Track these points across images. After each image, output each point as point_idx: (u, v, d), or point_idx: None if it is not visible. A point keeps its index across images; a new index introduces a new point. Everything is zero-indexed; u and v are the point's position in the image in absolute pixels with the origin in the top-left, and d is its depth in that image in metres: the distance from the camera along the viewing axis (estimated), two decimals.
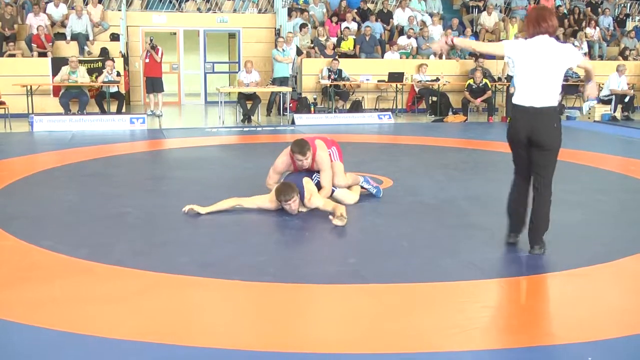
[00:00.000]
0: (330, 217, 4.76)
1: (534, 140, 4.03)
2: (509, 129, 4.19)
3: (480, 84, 12.90)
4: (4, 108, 10.95)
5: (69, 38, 13.38)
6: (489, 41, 15.53)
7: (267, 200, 5.15)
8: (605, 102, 13.24)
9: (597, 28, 16.42)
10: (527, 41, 4.11)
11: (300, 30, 14.24)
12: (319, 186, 5.32)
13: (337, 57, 13.56)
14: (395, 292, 3.54)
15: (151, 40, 12.61)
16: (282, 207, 5.03)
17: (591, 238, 4.64)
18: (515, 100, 4.08)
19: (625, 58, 15.54)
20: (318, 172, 5.38)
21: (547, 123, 4.03)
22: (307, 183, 5.19)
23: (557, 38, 4.06)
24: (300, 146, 5.23)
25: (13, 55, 12.74)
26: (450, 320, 3.14)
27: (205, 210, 5.06)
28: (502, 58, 3.82)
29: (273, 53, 13.24)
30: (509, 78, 13.47)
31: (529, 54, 4.03)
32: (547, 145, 4.04)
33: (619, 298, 3.53)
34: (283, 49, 13.10)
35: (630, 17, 18.29)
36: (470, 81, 13.00)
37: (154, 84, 12.88)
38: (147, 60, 12.75)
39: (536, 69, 3.99)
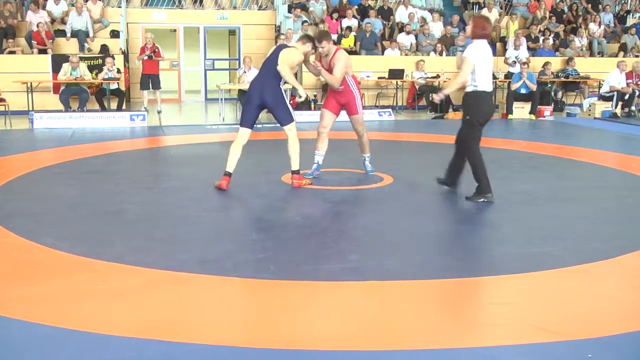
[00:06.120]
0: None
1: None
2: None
3: None
4: (4, 105, 10.95)
5: (69, 35, 13.36)
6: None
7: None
8: (606, 99, 13.22)
9: (602, 25, 16.38)
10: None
11: (302, 25, 14.19)
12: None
13: None
14: (396, 289, 3.54)
15: (151, 50, 12.64)
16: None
17: (591, 235, 4.64)
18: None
19: (628, 55, 15.50)
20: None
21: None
22: None
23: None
24: (321, 34, 6.43)
25: (13, 52, 12.71)
26: (453, 317, 3.15)
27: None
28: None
29: None
30: (510, 75, 13.50)
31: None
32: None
33: (619, 295, 3.53)
34: None
35: (631, 14, 18.24)
36: None
37: (152, 81, 12.84)
38: (145, 58, 12.74)
39: None
